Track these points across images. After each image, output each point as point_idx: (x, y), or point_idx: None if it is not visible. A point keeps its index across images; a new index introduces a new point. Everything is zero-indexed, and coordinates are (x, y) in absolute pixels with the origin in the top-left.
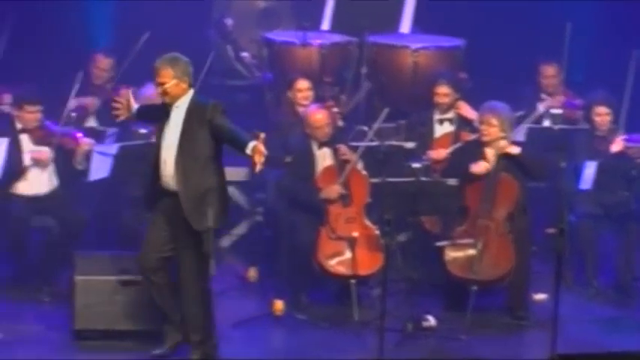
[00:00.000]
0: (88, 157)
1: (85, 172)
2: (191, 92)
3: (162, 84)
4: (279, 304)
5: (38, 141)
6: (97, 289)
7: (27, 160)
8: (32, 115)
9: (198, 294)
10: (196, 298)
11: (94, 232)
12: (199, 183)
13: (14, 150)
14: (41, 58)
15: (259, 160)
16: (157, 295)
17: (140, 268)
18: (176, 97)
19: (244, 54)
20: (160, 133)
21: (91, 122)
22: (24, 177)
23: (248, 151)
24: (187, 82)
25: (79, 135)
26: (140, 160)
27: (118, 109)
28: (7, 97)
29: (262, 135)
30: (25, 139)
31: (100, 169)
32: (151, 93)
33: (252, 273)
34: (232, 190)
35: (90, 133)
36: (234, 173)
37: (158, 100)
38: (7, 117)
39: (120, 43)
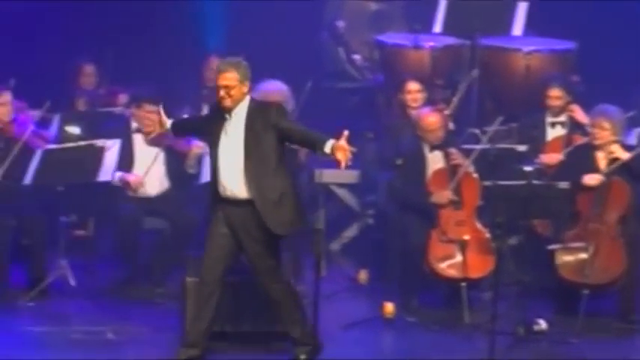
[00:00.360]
0: (199, 160)
1: (196, 175)
2: (248, 97)
3: (226, 87)
4: (389, 307)
5: (151, 142)
6: None
7: (139, 160)
8: (150, 114)
9: (285, 292)
10: (285, 296)
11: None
12: (273, 187)
13: (127, 151)
14: (154, 60)
15: (344, 157)
16: (204, 305)
17: (202, 281)
18: (237, 102)
19: (356, 56)
20: (215, 141)
21: None
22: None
23: (327, 150)
24: (248, 86)
25: (192, 138)
26: None
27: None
28: (123, 97)
29: (346, 132)
30: (138, 139)
31: None
32: (271, 89)
33: (363, 275)
34: (343, 193)
35: None
36: (344, 175)
37: (275, 96)
38: (121, 117)
39: (233, 44)
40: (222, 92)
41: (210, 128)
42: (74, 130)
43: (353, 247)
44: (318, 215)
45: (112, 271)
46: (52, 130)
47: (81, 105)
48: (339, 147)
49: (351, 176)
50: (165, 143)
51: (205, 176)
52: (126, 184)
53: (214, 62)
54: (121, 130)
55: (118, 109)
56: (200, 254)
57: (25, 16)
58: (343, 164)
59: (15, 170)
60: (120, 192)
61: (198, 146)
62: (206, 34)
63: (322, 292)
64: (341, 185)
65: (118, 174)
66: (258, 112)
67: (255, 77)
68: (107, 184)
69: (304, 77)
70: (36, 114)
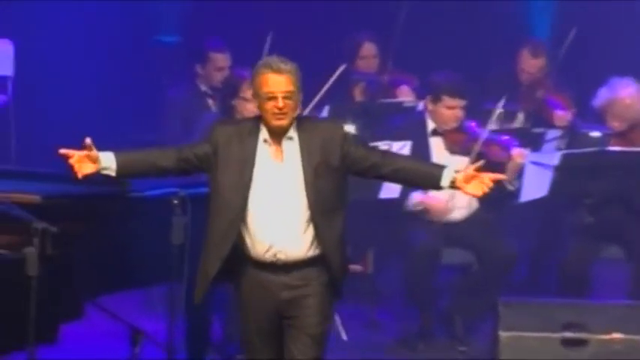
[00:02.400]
0: (520, 172)
1: (515, 193)
2: None
3: (287, 96)
4: None
5: (454, 147)
6: (530, 350)
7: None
8: (451, 111)
9: None
10: None
11: (528, 271)
12: (340, 235)
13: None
14: (460, 44)
15: (479, 190)
16: None
17: None
18: (292, 121)
19: None
20: (238, 180)
21: (520, 120)
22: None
23: (444, 183)
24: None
25: (512, 143)
26: (590, 175)
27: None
28: (404, 90)
29: (481, 162)
30: (436, 144)
31: (535, 186)
32: (625, 94)
33: None
34: None
35: (521, 136)
36: None
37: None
38: (412, 113)
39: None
40: (281, 103)
41: (224, 160)
42: (349, 127)
43: None
44: None
45: (398, 321)
46: None
47: (358, 94)
48: (468, 177)
49: None
50: (476, 149)
51: (527, 193)
52: (426, 210)
53: (526, 54)
54: (413, 129)
55: (409, 101)
56: (519, 299)
57: None
58: (477, 195)
59: None
60: (413, 217)
61: (521, 154)
62: (531, 16)
63: None
64: None
65: (417, 196)
66: (314, 133)
67: (595, 75)
68: (393, 205)
69: None
70: None
